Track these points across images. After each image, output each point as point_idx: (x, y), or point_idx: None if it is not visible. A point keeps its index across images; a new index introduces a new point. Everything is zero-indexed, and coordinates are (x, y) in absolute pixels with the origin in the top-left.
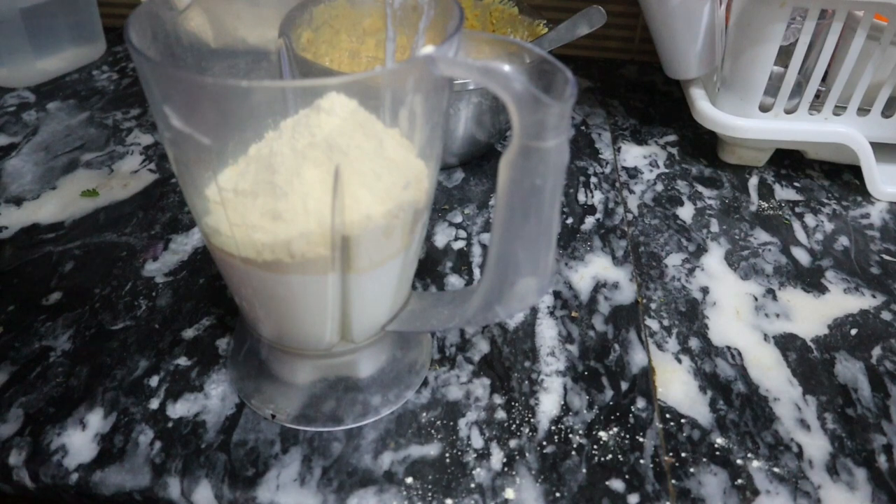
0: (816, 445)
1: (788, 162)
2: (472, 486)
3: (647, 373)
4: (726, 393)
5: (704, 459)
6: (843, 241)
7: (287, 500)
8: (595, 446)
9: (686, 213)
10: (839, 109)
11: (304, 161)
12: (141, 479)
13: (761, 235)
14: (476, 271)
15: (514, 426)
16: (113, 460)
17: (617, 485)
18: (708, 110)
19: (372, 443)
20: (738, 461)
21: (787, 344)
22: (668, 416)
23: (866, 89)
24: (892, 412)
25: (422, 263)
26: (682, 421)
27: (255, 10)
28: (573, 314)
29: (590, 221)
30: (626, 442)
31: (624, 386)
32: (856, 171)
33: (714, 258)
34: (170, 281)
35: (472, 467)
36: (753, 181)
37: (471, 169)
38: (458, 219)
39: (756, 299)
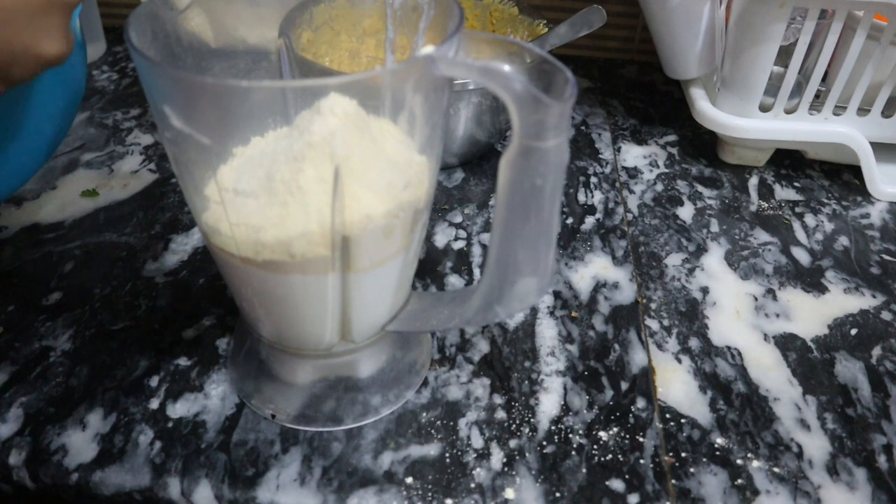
0: (816, 445)
1: (788, 162)
2: (472, 486)
3: (647, 373)
4: (726, 393)
5: (704, 459)
6: (843, 241)
7: (287, 500)
8: (595, 446)
9: (686, 213)
10: (839, 109)
11: (304, 161)
12: (141, 479)
13: (761, 235)
14: (476, 271)
15: (514, 426)
16: (113, 460)
17: (617, 485)
18: (708, 110)
19: (372, 443)
20: (738, 461)
21: (787, 344)
22: (668, 416)
23: (866, 89)
24: (892, 412)
25: (422, 263)
26: (682, 421)
27: (255, 10)
28: (573, 314)
29: (590, 221)
30: (626, 442)
31: (624, 386)
32: (856, 171)
33: (714, 258)
34: (170, 281)
35: (472, 467)
36: (753, 181)
37: (471, 169)
38: (458, 219)
39: (756, 299)
